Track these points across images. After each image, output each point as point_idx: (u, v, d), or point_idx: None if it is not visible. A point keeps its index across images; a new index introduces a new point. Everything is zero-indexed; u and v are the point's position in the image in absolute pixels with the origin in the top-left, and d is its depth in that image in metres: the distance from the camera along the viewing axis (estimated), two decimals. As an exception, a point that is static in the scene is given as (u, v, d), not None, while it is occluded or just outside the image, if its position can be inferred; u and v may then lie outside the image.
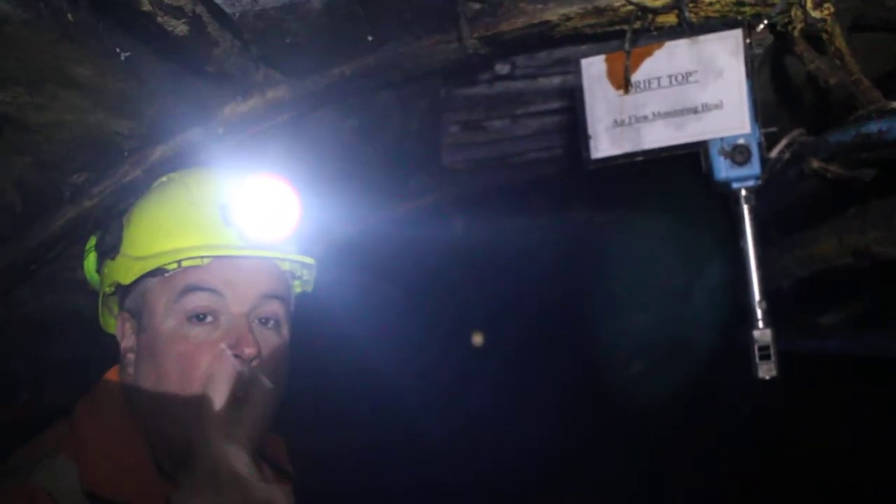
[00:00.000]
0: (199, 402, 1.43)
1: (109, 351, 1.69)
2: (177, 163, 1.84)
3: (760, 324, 1.67)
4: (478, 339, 6.65)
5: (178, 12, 1.37)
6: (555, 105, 2.38)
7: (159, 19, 1.37)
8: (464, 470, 5.18)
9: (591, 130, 1.76)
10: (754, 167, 1.67)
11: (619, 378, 5.12)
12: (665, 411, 4.97)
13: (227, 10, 1.40)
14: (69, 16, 1.38)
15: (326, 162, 2.51)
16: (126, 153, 1.77)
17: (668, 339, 3.80)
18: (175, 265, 1.54)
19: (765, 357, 1.65)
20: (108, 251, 1.66)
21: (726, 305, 3.00)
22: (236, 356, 1.49)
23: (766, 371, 1.65)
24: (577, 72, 1.77)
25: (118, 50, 1.51)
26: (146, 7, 1.32)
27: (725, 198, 1.74)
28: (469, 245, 3.99)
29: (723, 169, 1.68)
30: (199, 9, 1.40)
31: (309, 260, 1.72)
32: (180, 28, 1.41)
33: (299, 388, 1.78)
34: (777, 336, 1.66)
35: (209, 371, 1.47)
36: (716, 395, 4.03)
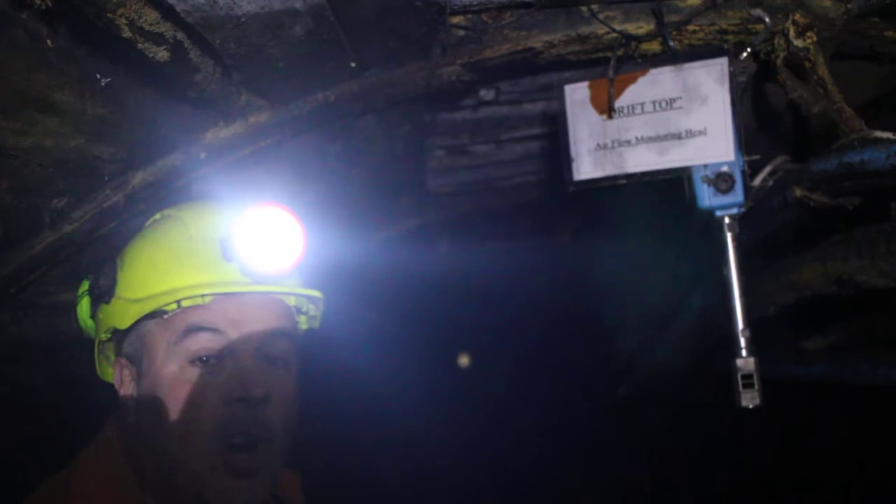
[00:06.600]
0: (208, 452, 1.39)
1: (93, 375, 1.64)
2: (158, 187, 1.83)
3: (744, 352, 1.67)
4: (464, 360, 6.63)
5: (158, 39, 1.36)
6: (539, 130, 2.39)
7: (140, 45, 1.36)
8: (461, 490, 5.20)
9: (573, 153, 1.76)
10: (738, 195, 1.67)
11: (606, 401, 5.11)
12: (652, 434, 4.98)
13: (208, 36, 1.38)
14: (48, 42, 1.37)
15: (310, 186, 2.50)
16: (107, 178, 1.75)
17: (654, 363, 3.80)
18: (174, 306, 1.44)
19: (748, 385, 1.64)
20: (103, 295, 1.54)
21: (710, 331, 3.00)
22: (244, 399, 1.42)
23: (750, 399, 1.64)
24: (561, 97, 1.77)
25: (98, 76, 1.49)
26: (126, 34, 1.31)
27: (709, 224, 1.74)
28: (454, 267, 3.99)
29: (706, 197, 1.68)
30: (180, 35, 1.39)
31: (317, 293, 1.62)
32: (161, 54, 1.40)
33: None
34: (760, 364, 1.66)
35: (217, 417, 1.41)
36: (701, 421, 4.02)
